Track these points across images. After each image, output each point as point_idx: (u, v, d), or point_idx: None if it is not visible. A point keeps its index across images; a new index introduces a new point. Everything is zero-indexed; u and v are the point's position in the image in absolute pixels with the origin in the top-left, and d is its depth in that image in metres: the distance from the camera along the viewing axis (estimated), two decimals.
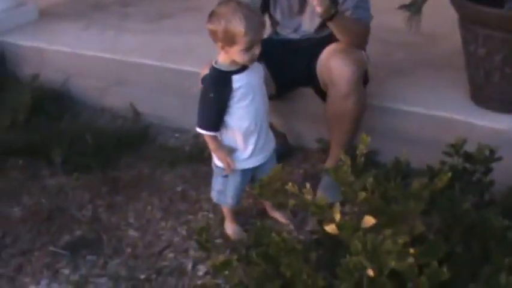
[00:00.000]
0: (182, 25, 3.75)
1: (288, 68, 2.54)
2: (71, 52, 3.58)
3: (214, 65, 2.08)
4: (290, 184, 1.66)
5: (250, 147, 2.16)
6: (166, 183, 2.82)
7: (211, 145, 2.16)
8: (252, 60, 2.04)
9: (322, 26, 2.47)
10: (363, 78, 2.44)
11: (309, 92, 2.66)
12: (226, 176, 2.21)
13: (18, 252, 2.44)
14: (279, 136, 2.84)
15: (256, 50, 2.01)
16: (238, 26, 1.93)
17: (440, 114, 2.54)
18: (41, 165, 2.97)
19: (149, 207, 2.64)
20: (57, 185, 2.83)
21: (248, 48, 1.98)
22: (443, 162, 2.02)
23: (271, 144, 2.27)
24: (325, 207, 1.60)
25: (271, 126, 2.79)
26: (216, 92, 2.06)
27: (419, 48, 3.09)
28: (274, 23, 2.66)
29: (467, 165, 2.03)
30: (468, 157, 2.03)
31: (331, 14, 2.20)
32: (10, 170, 2.96)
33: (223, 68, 2.06)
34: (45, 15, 4.22)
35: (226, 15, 1.95)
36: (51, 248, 2.44)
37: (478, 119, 2.48)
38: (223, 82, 2.05)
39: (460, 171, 2.00)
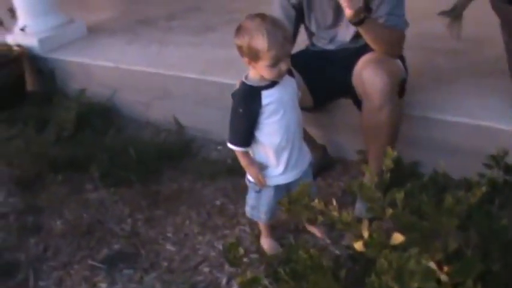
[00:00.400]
0: (225, 38, 3.72)
1: (325, 79, 2.49)
2: (115, 67, 3.64)
3: (244, 80, 2.04)
4: (316, 200, 1.61)
5: (283, 164, 2.11)
6: (205, 196, 2.82)
7: (242, 161, 2.12)
8: (279, 76, 1.98)
9: (358, 36, 2.41)
10: (399, 88, 2.36)
11: (347, 102, 2.60)
12: (259, 192, 2.17)
13: (59, 265, 2.49)
14: (319, 148, 2.80)
15: (283, 66, 1.95)
16: (261, 42, 1.89)
17: (483, 123, 2.43)
18: (84, 179, 3.03)
19: (187, 222, 2.64)
20: (98, 199, 2.87)
21: (273, 64, 1.93)
22: (481, 175, 1.93)
23: (306, 159, 2.21)
24: (351, 224, 1.55)
25: (310, 138, 2.76)
26: (245, 107, 2.01)
27: (463, 54, 2.98)
28: (310, 34, 2.62)
29: (508, 178, 1.93)
30: (509, 169, 1.94)
31: (361, 18, 2.13)
32: (54, 184, 3.03)
33: (253, 84, 2.02)
34: (93, 31, 4.33)
35: (250, 31, 1.92)
36: (90, 262, 2.47)
37: None
38: (252, 97, 1.99)
39: (501, 185, 1.91)
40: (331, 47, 2.56)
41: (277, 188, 2.15)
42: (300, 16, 2.54)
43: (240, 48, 1.96)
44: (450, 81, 2.76)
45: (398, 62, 2.41)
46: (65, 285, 2.38)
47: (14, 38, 4.02)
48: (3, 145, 3.34)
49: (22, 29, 3.96)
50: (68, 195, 2.93)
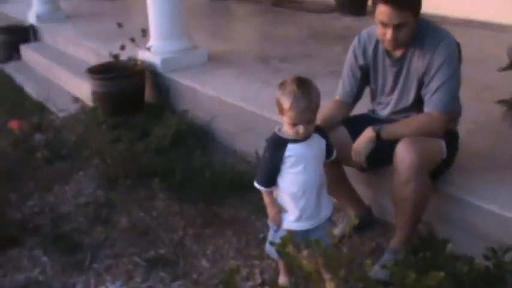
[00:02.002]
0: (321, 87, 4.01)
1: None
2: (217, 96, 4.06)
3: (276, 131, 2.32)
4: (291, 247, 1.84)
5: (297, 212, 2.34)
6: (254, 227, 3.09)
7: (265, 199, 2.39)
8: (296, 135, 2.24)
9: (406, 109, 2.62)
10: (434, 169, 2.51)
11: None
12: (276, 231, 2.41)
13: (112, 255, 2.93)
14: (364, 207, 2.98)
15: (300, 129, 2.21)
16: (286, 101, 2.18)
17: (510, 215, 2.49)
18: (159, 188, 3.44)
19: (227, 245, 2.94)
20: (163, 208, 3.28)
21: (292, 124, 2.20)
22: (471, 261, 2.05)
23: (324, 213, 2.41)
24: (311, 274, 1.77)
25: (357, 197, 2.95)
26: (271, 153, 2.30)
27: None
28: (372, 97, 2.84)
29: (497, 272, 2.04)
30: (500, 264, 2.04)
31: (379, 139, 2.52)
32: (134, 186, 3.48)
33: (283, 135, 2.29)
34: (213, 59, 4.82)
35: (284, 89, 2.21)
36: (136, 259, 2.87)
37: None
38: (278, 147, 2.26)
39: (492, 278, 2.01)
40: (384, 113, 2.75)
41: (293, 232, 2.37)
42: (365, 77, 2.77)
43: (276, 99, 2.26)
44: (502, 169, 2.79)
45: (439, 143, 2.54)
46: (110, 272, 2.80)
47: (142, 55, 4.60)
48: (106, 145, 3.85)
49: (148, 48, 4.52)
50: (140, 199, 3.37)
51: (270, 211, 2.39)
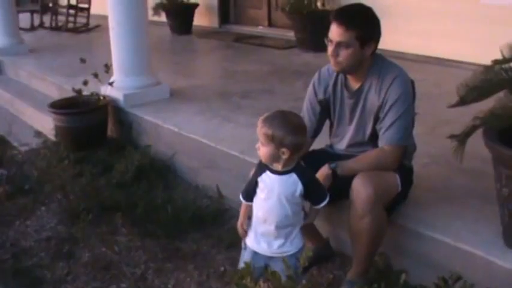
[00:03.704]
0: None
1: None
2: (178, 132, 4.13)
3: None
4: (249, 279, 1.91)
5: (257, 233, 2.45)
6: (215, 261, 3.14)
7: (241, 208, 2.54)
8: (259, 155, 2.36)
9: (363, 144, 2.74)
10: (388, 202, 2.60)
11: None
12: (244, 249, 2.52)
13: None
14: (322, 240, 3.06)
15: (260, 150, 2.33)
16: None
17: (465, 247, 2.58)
18: (121, 223, 3.47)
19: (188, 279, 2.98)
20: (125, 243, 3.30)
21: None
22: None
23: (288, 249, 2.44)
24: None
25: (315, 230, 3.03)
26: (254, 172, 2.43)
27: (482, 176, 3.02)
28: (331, 130, 2.95)
29: None
30: None
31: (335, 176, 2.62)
32: (99, 222, 3.51)
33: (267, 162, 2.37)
34: (175, 95, 4.91)
35: None
36: None
37: (498, 259, 2.49)
38: (259, 168, 2.40)
39: None
40: (342, 146, 2.85)
41: (256, 255, 2.45)
42: (325, 112, 2.87)
43: None
44: (457, 202, 2.90)
45: (394, 177, 2.64)
46: None
47: (105, 90, 4.65)
48: (68, 180, 3.87)
49: (110, 84, 4.58)
50: (102, 234, 3.39)
51: (239, 220, 2.54)
